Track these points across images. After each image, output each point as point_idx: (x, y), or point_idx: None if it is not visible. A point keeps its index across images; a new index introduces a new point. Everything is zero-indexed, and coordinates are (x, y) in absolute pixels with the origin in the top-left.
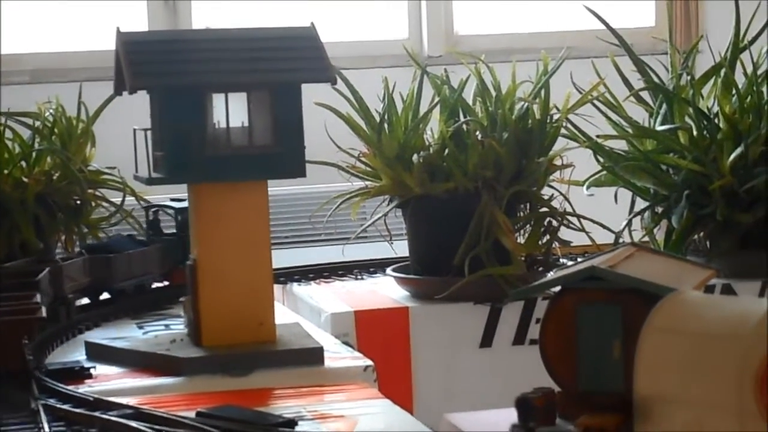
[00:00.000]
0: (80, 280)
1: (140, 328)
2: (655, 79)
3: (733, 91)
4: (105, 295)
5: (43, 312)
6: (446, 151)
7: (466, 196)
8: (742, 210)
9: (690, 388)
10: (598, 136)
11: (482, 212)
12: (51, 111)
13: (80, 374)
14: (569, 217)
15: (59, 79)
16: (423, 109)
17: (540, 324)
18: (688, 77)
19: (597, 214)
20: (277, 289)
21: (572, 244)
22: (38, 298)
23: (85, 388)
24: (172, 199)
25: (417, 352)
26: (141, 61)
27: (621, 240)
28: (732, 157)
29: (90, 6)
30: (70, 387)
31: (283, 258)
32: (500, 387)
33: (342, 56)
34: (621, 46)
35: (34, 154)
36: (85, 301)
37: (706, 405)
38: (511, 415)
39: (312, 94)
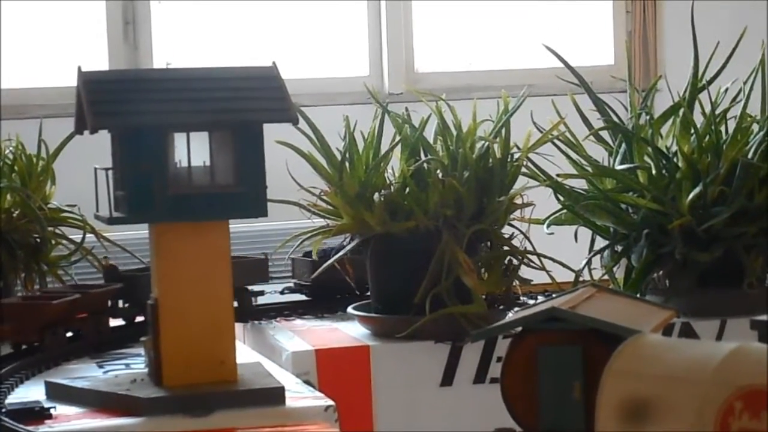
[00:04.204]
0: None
1: (100, 367)
2: (615, 118)
3: (692, 131)
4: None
5: None
6: (407, 189)
7: (427, 235)
8: (701, 249)
9: (650, 431)
10: (558, 175)
11: (443, 251)
12: (11, 148)
13: (40, 414)
14: (530, 256)
15: (19, 115)
16: (384, 148)
17: (501, 364)
18: (647, 116)
19: (557, 252)
20: (238, 327)
21: (533, 283)
22: None
23: (45, 429)
24: None
25: (378, 391)
26: (102, 100)
27: (581, 278)
28: (691, 196)
29: (50, 42)
30: (30, 427)
31: None
32: (461, 426)
33: (303, 93)
34: (580, 84)
35: None
36: None
37: None
38: None
39: (273, 132)
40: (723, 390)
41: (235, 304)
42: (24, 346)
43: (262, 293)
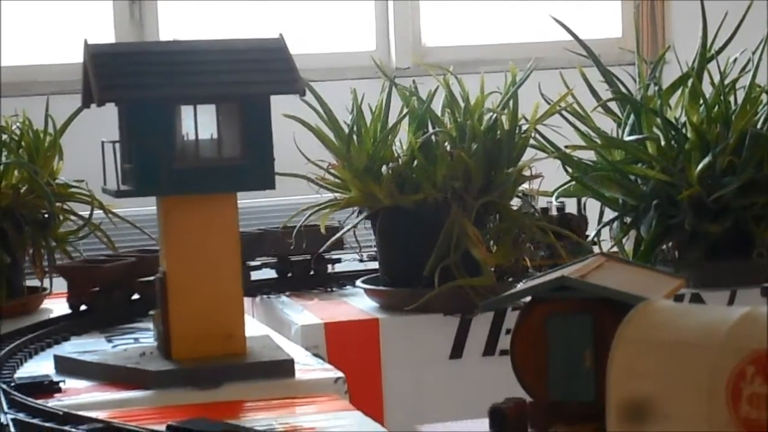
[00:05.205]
0: None
1: (109, 341)
2: (623, 90)
3: (701, 101)
4: None
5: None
6: (415, 162)
7: (435, 208)
8: (710, 220)
9: (661, 397)
10: (566, 147)
11: (452, 223)
12: (18, 124)
13: (49, 388)
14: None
15: (26, 92)
16: (392, 121)
17: (510, 335)
18: (656, 87)
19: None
20: (247, 301)
21: (541, 255)
22: None
23: (54, 402)
24: None
25: (387, 364)
26: (109, 73)
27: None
28: (700, 166)
29: (56, 19)
30: (39, 401)
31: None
32: (471, 398)
33: (310, 68)
34: (589, 57)
35: (1, 167)
36: None
37: (678, 414)
38: (482, 426)
39: (280, 105)
40: (735, 354)
41: (312, 272)
42: (84, 307)
43: (339, 261)
